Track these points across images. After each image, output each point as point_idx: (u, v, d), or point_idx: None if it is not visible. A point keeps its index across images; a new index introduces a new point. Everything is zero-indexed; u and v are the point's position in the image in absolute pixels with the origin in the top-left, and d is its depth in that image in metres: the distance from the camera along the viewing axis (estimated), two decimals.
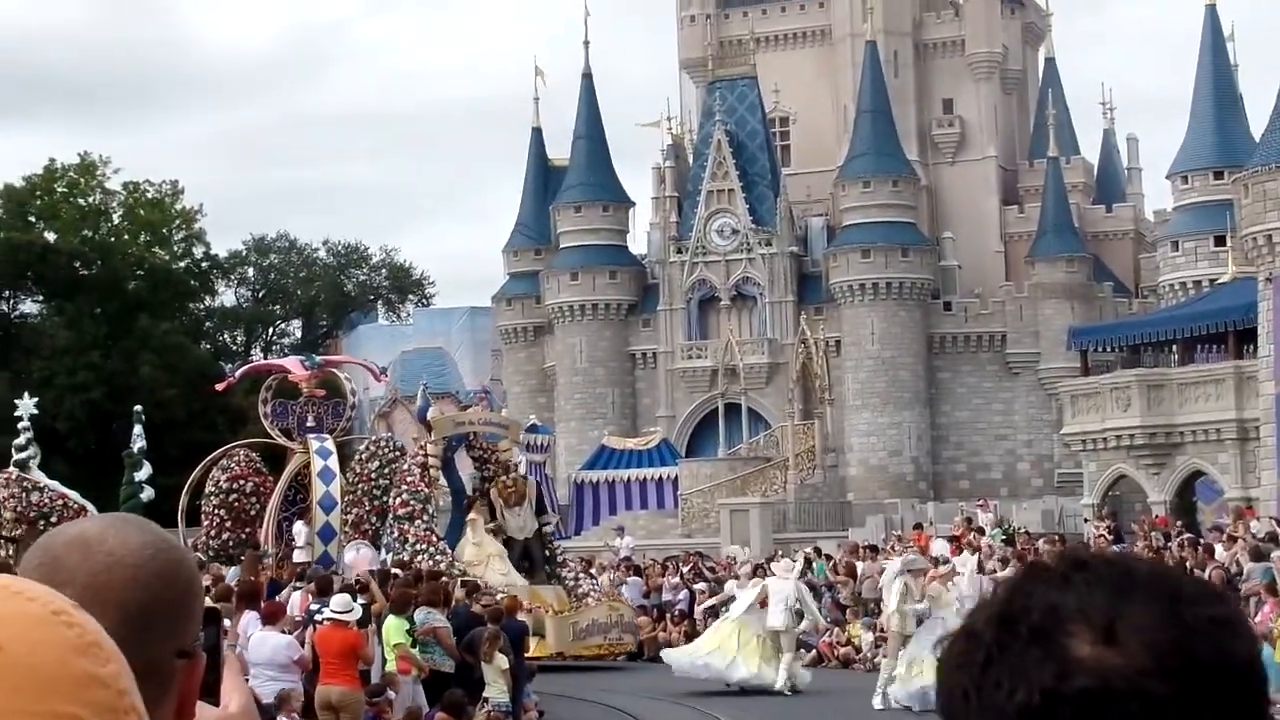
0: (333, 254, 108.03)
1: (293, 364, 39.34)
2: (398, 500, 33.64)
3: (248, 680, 15.82)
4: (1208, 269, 70.18)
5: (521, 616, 32.17)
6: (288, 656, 18.28)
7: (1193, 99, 73.73)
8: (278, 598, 23.61)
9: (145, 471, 45.79)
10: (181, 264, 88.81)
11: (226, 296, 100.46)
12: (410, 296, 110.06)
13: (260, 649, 18.26)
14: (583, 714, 26.63)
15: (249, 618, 19.79)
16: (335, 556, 32.90)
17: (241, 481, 36.21)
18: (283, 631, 18.94)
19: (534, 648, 32.41)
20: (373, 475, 35.03)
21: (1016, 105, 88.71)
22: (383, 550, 33.18)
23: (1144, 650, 1.65)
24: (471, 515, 35.05)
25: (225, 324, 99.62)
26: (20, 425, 37.70)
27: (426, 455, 34.93)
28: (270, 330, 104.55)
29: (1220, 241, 68.28)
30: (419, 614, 21.56)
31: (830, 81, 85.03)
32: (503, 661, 21.82)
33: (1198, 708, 1.65)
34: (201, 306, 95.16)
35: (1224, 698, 1.67)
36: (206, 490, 36.53)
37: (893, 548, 41.34)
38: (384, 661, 20.38)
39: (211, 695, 2.16)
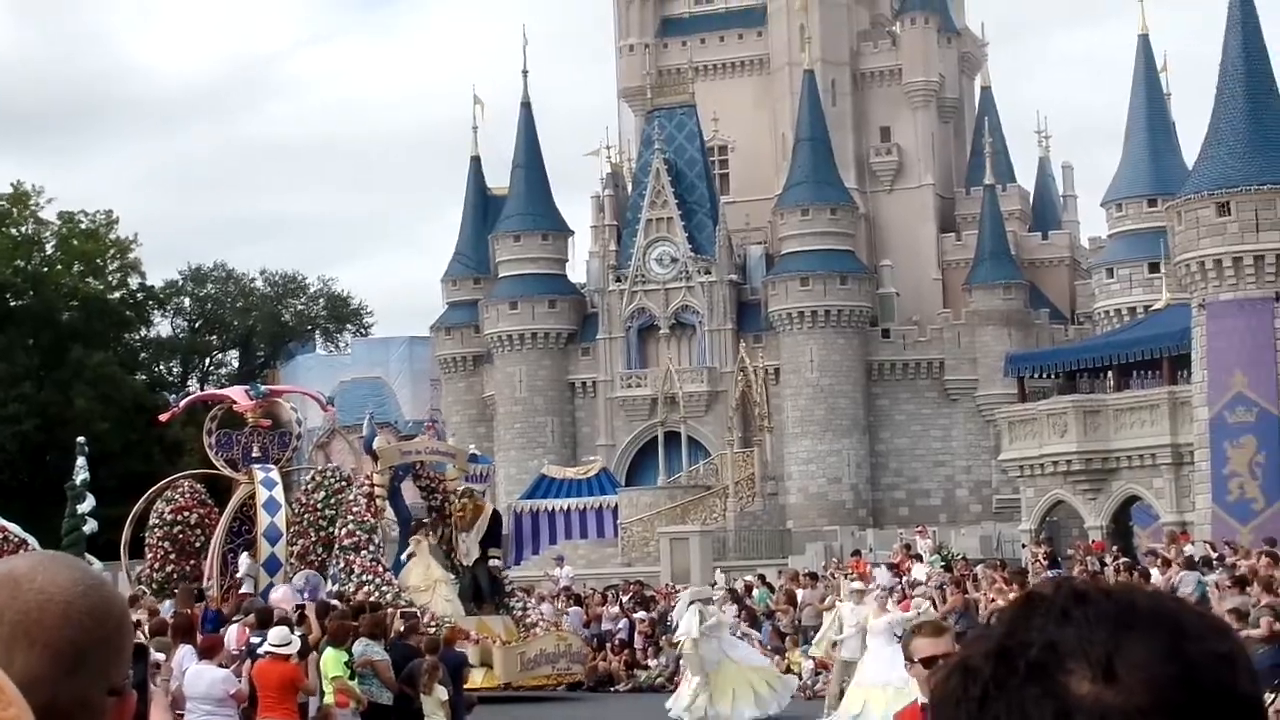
0: (270, 284, 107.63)
1: (237, 393, 39.04)
2: (343, 531, 33.33)
3: (181, 716, 15.66)
4: (1142, 295, 70.73)
5: (468, 647, 32.08)
6: (224, 690, 18.13)
7: (1126, 127, 74.39)
8: (223, 630, 23.43)
9: (88, 504, 45.45)
10: (116, 294, 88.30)
11: (162, 327, 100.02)
12: (348, 326, 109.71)
13: (196, 683, 18.10)
14: None
15: (184, 651, 19.62)
16: (303, 584, 32.58)
17: (186, 513, 35.83)
18: (220, 665, 18.79)
19: (481, 679, 32.27)
20: (319, 505, 34.71)
21: (953, 133, 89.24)
22: (329, 581, 32.94)
23: (1144, 688, 1.62)
24: (417, 538, 34.85)
25: (161, 355, 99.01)
26: None
27: (373, 485, 34.72)
28: (207, 361, 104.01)
29: (1154, 268, 68.79)
30: (357, 646, 21.44)
31: (768, 110, 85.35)
32: (442, 693, 21.71)
33: None
34: (137, 337, 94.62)
35: None
36: (150, 522, 36.14)
37: (833, 575, 41.45)
38: (322, 694, 20.24)
39: None
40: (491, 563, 36.36)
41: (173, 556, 35.45)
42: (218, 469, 37.17)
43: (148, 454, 76.25)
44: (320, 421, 50.95)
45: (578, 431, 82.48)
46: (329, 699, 20.23)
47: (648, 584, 47.88)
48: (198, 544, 35.53)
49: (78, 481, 46.42)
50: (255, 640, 20.79)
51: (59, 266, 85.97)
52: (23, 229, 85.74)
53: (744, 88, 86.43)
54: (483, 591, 35.33)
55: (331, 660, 20.23)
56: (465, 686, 30.99)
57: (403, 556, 34.75)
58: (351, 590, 31.81)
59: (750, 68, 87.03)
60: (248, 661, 20.00)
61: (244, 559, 34.12)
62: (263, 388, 40.23)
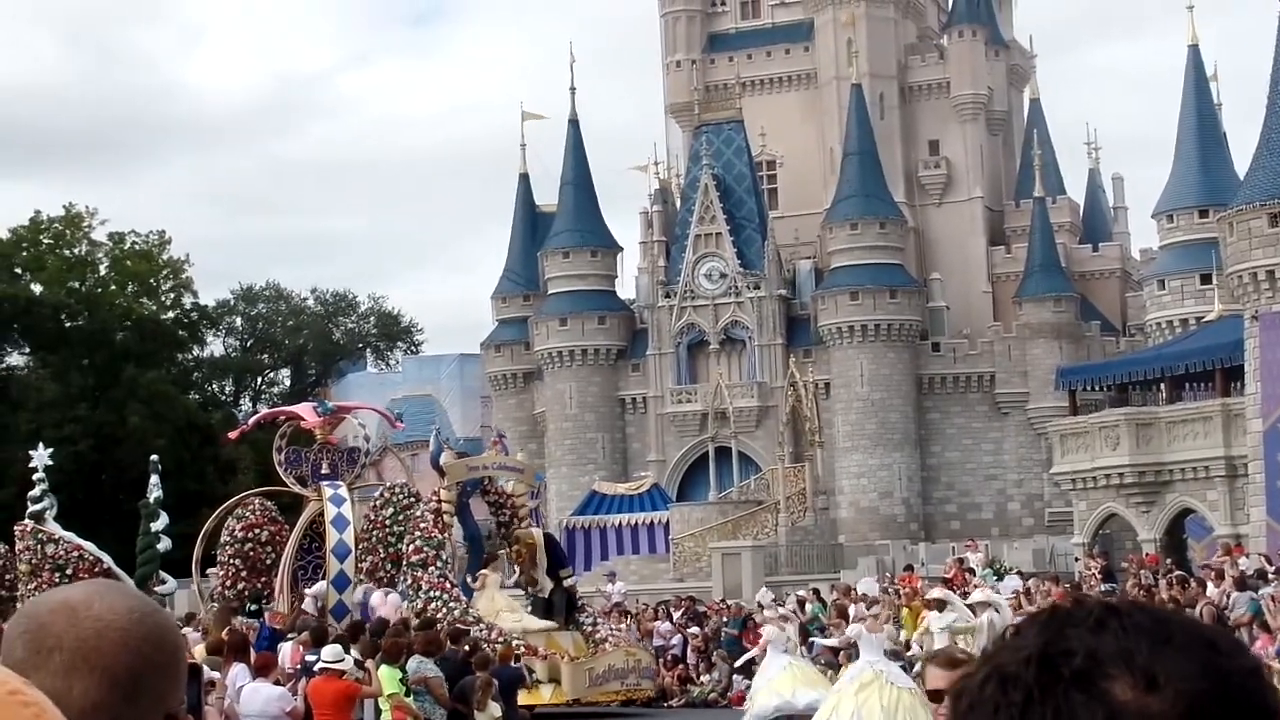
0: (320, 302, 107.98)
1: (305, 410, 39.04)
2: (411, 547, 33.30)
3: None
4: (1194, 307, 70.32)
5: (536, 663, 32.07)
6: (280, 708, 18.21)
7: (1177, 138, 73.98)
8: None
9: (162, 522, 45.23)
10: (169, 314, 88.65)
11: (215, 346, 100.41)
12: (399, 344, 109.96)
13: (252, 700, 18.19)
14: None
15: (238, 669, 19.71)
16: (349, 605, 32.57)
17: (257, 530, 35.75)
18: (275, 683, 18.88)
19: (550, 694, 32.19)
20: (387, 522, 34.66)
21: (1002, 146, 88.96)
22: (399, 597, 32.92)
23: (1184, 698, 1.69)
24: (484, 572, 34.80)
25: (214, 374, 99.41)
26: (35, 476, 37.46)
27: (440, 501, 34.61)
28: (259, 379, 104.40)
29: (1206, 280, 68.45)
30: (411, 663, 21.52)
31: (816, 124, 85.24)
32: (495, 709, 21.76)
33: None
34: (190, 357, 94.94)
35: None
36: (222, 539, 36.09)
37: (885, 590, 41.32)
38: (379, 712, 20.32)
39: None
40: (565, 582, 36.08)
41: (244, 574, 35.39)
42: (281, 486, 37.22)
43: (201, 473, 76.50)
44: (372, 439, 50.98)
45: (628, 447, 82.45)
46: (385, 716, 20.31)
47: (700, 599, 47.82)
48: (268, 561, 35.43)
49: (151, 499, 46.29)
50: (310, 658, 20.87)
51: (112, 287, 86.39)
52: (76, 250, 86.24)
53: (791, 102, 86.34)
54: (554, 608, 35.17)
55: (387, 677, 20.30)
56: (531, 703, 31.14)
57: (469, 580, 34.63)
58: (419, 607, 31.80)
59: (797, 82, 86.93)
60: (303, 679, 20.08)
61: (317, 587, 34.01)
62: (330, 404, 40.07)
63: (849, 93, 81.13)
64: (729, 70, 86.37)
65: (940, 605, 29.05)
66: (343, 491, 35.17)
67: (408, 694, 20.83)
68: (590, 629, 35.37)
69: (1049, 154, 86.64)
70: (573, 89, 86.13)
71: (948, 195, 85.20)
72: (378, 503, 35.48)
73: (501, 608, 33.95)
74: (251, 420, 43.11)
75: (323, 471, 36.16)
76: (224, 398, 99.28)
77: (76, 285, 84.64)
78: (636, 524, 67.50)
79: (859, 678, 26.28)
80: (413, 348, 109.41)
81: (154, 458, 49.57)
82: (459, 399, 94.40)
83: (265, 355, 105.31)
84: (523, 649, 32.17)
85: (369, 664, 20.22)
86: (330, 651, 19.08)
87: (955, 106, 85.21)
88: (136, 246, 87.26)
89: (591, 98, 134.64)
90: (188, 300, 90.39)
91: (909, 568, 49.46)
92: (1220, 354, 50.97)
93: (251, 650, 22.39)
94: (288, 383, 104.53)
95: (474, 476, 36.63)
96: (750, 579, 55.73)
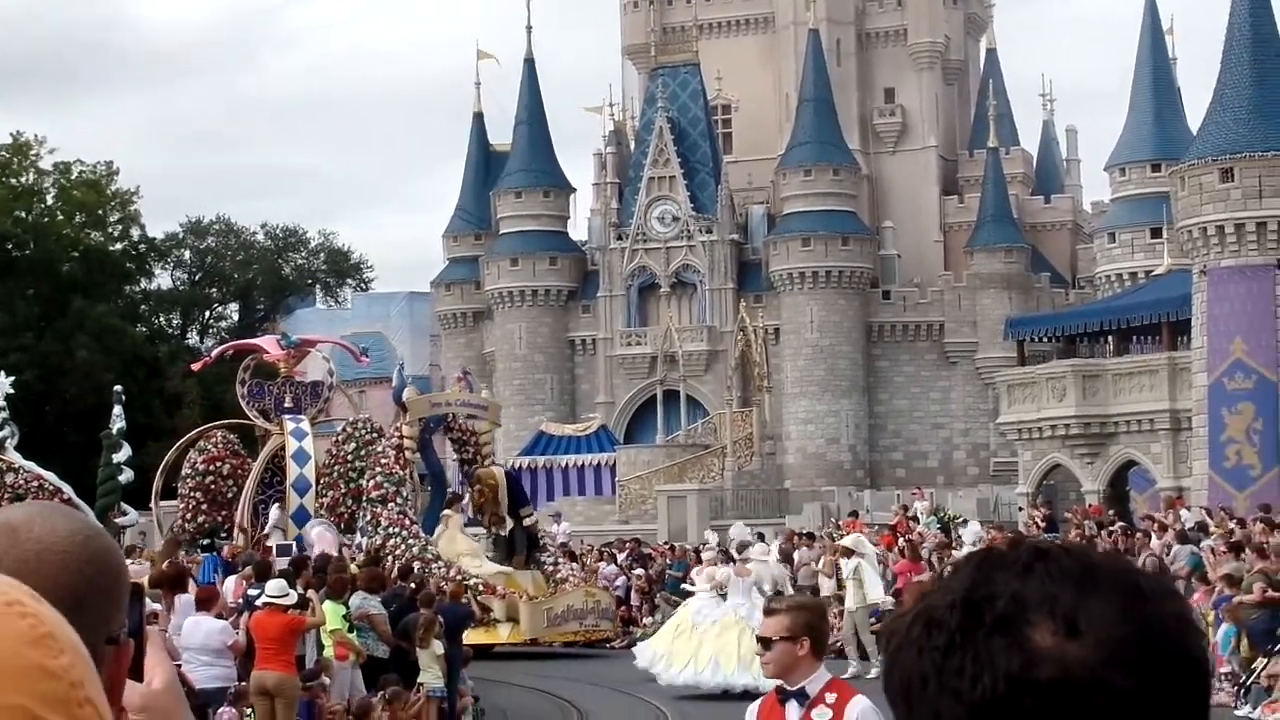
0: (270, 237, 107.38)
1: (269, 343, 38.80)
2: (371, 483, 33.11)
3: (178, 664, 15.71)
4: (1144, 261, 70.72)
5: (495, 602, 32.08)
6: (221, 641, 18.20)
7: (1131, 92, 74.22)
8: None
9: (124, 453, 44.84)
10: (117, 246, 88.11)
11: (163, 279, 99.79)
12: (348, 281, 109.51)
13: (193, 634, 18.17)
14: (520, 701, 26.59)
15: (185, 601, 19.68)
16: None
17: (219, 464, 35.55)
18: (217, 616, 18.85)
19: (507, 634, 32.19)
20: (349, 457, 34.44)
21: (957, 96, 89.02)
22: (358, 534, 32.82)
23: (1105, 644, 1.69)
24: (448, 513, 34.72)
25: (161, 307, 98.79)
26: None
27: (402, 437, 34.35)
28: (207, 313, 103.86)
29: (1156, 234, 68.78)
30: (354, 599, 21.51)
31: (773, 69, 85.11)
32: (438, 647, 21.78)
33: (1156, 702, 1.69)
34: (138, 289, 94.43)
35: (1180, 692, 1.71)
36: (183, 472, 35.84)
37: (829, 534, 41.51)
38: (321, 647, 20.31)
39: (136, 674, 2.15)
40: (525, 521, 36.01)
41: (204, 506, 35.22)
42: (241, 419, 36.98)
43: (148, 406, 76.08)
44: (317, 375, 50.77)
45: (577, 389, 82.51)
46: (328, 651, 20.31)
47: (645, 541, 47.99)
48: (230, 494, 35.25)
49: (114, 430, 45.92)
50: (253, 592, 20.84)
51: (60, 217, 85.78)
52: (22, 179, 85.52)
53: (748, 46, 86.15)
54: (515, 546, 35.12)
55: (330, 612, 20.30)
56: (489, 642, 31.20)
57: (437, 529, 34.52)
58: (379, 543, 31.72)
59: (755, 26, 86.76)
60: (245, 613, 20.05)
61: (274, 511, 33.97)
62: (294, 338, 39.73)
63: (806, 38, 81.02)
64: (686, 13, 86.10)
65: (848, 553, 29.50)
66: (304, 426, 34.95)
67: (351, 630, 20.83)
68: (551, 568, 35.34)
69: (1004, 104, 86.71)
70: (529, 28, 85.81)
71: (902, 143, 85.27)
72: (340, 437, 35.28)
73: (463, 551, 33.91)
74: (215, 352, 42.73)
75: (286, 405, 35.93)
76: (171, 331, 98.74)
77: (23, 214, 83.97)
78: (583, 465, 67.63)
79: (722, 620, 26.80)
80: (363, 285, 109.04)
81: (118, 388, 49.12)
82: (408, 337, 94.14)
83: (214, 289, 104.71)
84: (481, 586, 32.15)
85: (313, 597, 20.20)
86: (274, 586, 19.05)
87: (912, 55, 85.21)
88: (84, 177, 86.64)
89: (548, 37, 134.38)
90: (136, 232, 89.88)
91: (854, 514, 49.65)
92: (1168, 308, 51.26)
93: (192, 583, 22.38)
94: (236, 317, 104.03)
95: (437, 413, 36.43)
96: (695, 522, 55.93)
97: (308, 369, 46.43)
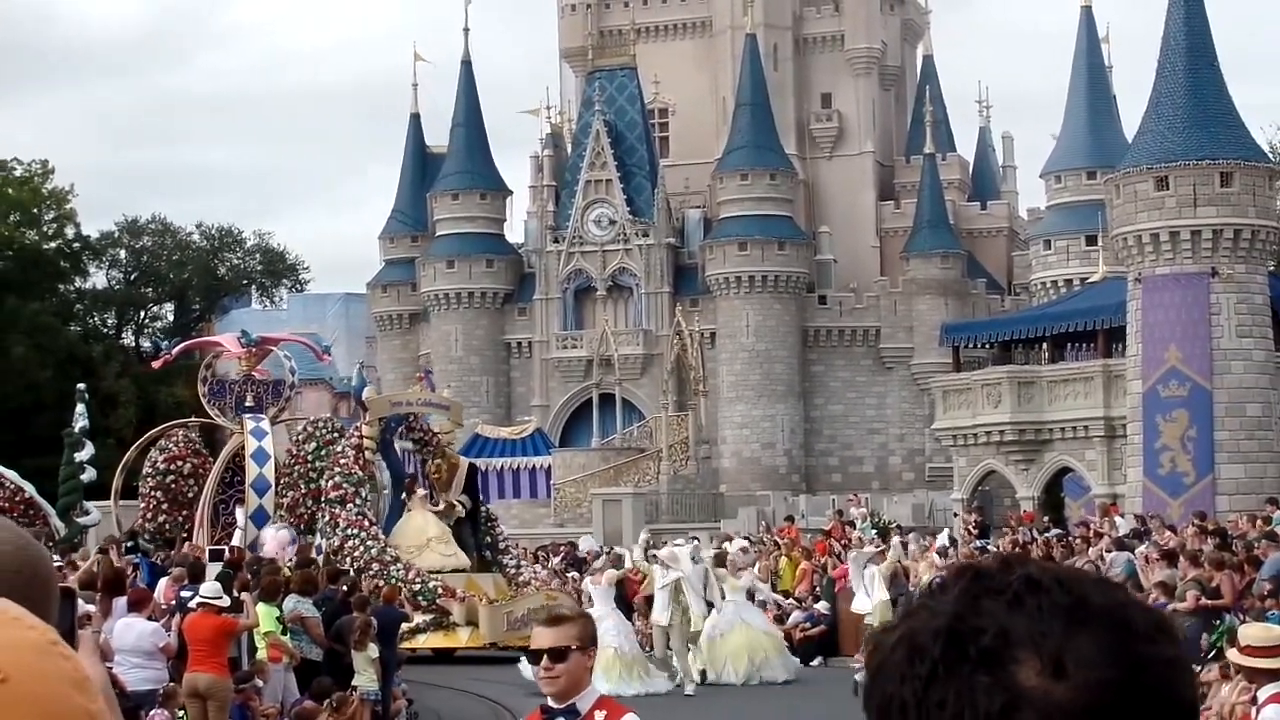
0: (206, 237, 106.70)
1: (229, 340, 38.48)
2: (330, 483, 32.77)
3: (109, 665, 15.56)
4: (1079, 268, 71.10)
5: (454, 606, 31.88)
6: (153, 643, 18.05)
7: (1067, 99, 74.68)
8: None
9: (88, 452, 44.34)
10: (52, 245, 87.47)
11: (97, 278, 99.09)
12: (284, 282, 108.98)
13: (125, 636, 18.02)
14: (453, 704, 26.50)
15: (119, 604, 19.52)
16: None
17: (180, 462, 35.09)
18: (150, 618, 18.70)
19: (466, 638, 31.95)
20: (309, 457, 34.07)
21: (894, 101, 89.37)
22: (317, 535, 32.52)
23: (1090, 687, 1.63)
24: (415, 492, 34.45)
25: (96, 306, 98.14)
26: None
27: (362, 437, 34.04)
28: (142, 313, 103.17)
29: (1092, 241, 69.20)
30: (288, 602, 21.39)
31: (710, 74, 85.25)
32: (373, 650, 21.68)
33: None
34: (72, 288, 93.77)
35: None
36: (144, 471, 35.48)
37: (762, 540, 41.59)
38: (254, 649, 20.19)
39: None
40: (456, 510, 35.72)
41: (165, 506, 34.79)
42: (176, 421, 36.60)
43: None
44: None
45: (512, 391, 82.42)
46: (261, 654, 20.18)
47: (579, 545, 47.89)
48: (190, 494, 34.81)
49: (76, 429, 45.42)
50: (186, 594, 20.70)
51: None
52: None
53: (685, 50, 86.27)
54: (466, 548, 34.83)
55: (264, 615, 20.17)
56: (449, 646, 31.06)
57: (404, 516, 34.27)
58: (337, 544, 31.48)
59: (692, 30, 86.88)
60: (177, 615, 19.91)
61: (241, 511, 33.59)
62: (255, 335, 39.31)
63: (743, 43, 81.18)
64: (623, 16, 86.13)
65: (666, 565, 29.41)
66: (264, 425, 34.57)
67: (284, 632, 20.71)
68: (513, 571, 35.15)
69: (940, 110, 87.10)
70: (466, 29, 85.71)
71: (839, 149, 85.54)
72: (300, 437, 34.91)
73: (434, 535, 33.66)
74: (176, 349, 42.16)
75: (247, 404, 35.55)
76: (106, 331, 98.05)
77: None
78: (518, 468, 67.55)
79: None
80: (298, 286, 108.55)
81: (81, 386, 48.68)
82: (344, 338, 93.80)
83: (149, 289, 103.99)
84: (440, 590, 31.91)
85: (246, 599, 20.06)
86: (209, 588, 18.92)
87: (849, 60, 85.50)
88: (18, 175, 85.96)
89: (485, 39, 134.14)
90: (70, 231, 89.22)
91: (789, 519, 49.80)
92: (1103, 315, 51.52)
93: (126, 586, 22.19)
94: (171, 317, 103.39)
95: (397, 412, 36.18)
96: (631, 526, 55.94)
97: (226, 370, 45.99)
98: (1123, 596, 1.73)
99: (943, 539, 38.22)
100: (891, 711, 1.68)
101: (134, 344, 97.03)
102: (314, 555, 29.13)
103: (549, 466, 67.44)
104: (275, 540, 29.34)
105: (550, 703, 6.47)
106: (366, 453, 34.01)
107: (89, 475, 43.68)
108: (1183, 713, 1.67)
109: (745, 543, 38.50)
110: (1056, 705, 1.61)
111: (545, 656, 6.41)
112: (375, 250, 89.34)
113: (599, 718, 6.42)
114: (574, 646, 6.40)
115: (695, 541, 33.58)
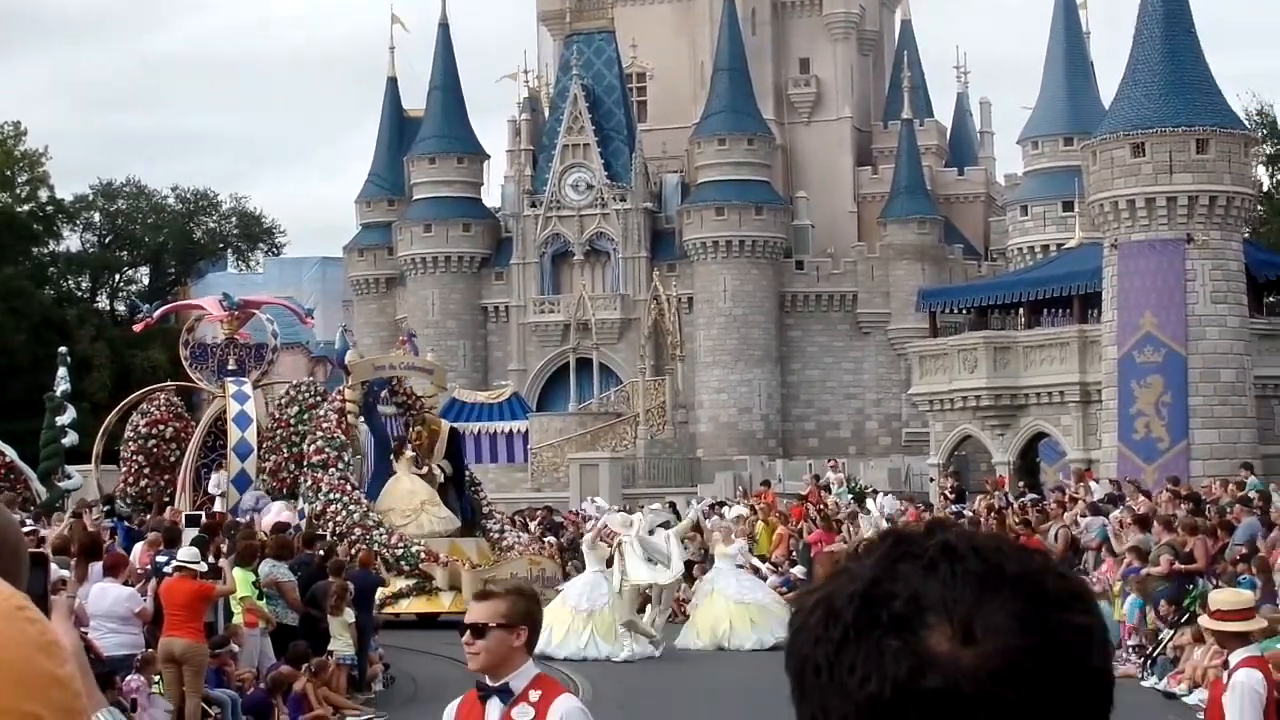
0: (181, 200, 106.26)
1: (211, 303, 38.25)
2: (312, 447, 32.59)
3: (84, 630, 15.54)
4: (1055, 234, 71.22)
5: (437, 570, 31.86)
6: (128, 609, 18.01)
7: (1044, 65, 74.64)
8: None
9: (69, 416, 44.09)
10: (25, 207, 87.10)
11: (72, 241, 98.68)
12: (260, 245, 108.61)
13: (100, 601, 17.98)
14: (430, 669, 26.50)
15: (95, 569, 19.45)
16: (253, 504, 31.97)
17: (161, 426, 34.89)
18: (125, 583, 18.67)
19: (449, 602, 31.88)
20: (291, 421, 33.91)
21: (872, 67, 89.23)
22: (300, 499, 32.40)
23: (1000, 654, 1.63)
24: (403, 454, 34.34)
25: (70, 269, 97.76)
26: None
27: (345, 401, 33.91)
28: (117, 277, 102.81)
29: (1068, 207, 69.28)
30: (263, 566, 21.38)
31: (688, 38, 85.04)
32: (348, 615, 21.70)
33: (1046, 716, 1.64)
34: (46, 251, 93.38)
35: (1074, 707, 1.66)
36: (125, 435, 35.25)
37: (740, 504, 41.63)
38: (230, 614, 20.18)
39: None
40: (435, 474, 35.65)
41: (147, 470, 34.62)
42: (133, 389, 36.44)
43: (56, 369, 75.21)
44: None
45: (490, 356, 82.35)
46: (237, 619, 20.17)
47: (556, 509, 47.99)
48: (173, 458, 34.63)
49: (58, 393, 45.17)
50: (161, 559, 20.67)
51: None
52: None
53: (663, 15, 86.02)
54: (452, 511, 34.71)
55: (240, 579, 20.17)
56: (432, 611, 31.06)
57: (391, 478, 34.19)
58: (319, 508, 31.38)
59: None
60: (153, 580, 19.88)
61: (216, 477, 33.51)
62: (237, 298, 39.06)
63: (721, 6, 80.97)
64: None
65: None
66: (246, 389, 34.41)
67: (260, 597, 20.71)
68: (497, 536, 35.09)
69: (918, 76, 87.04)
70: None
71: (816, 114, 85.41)
72: (282, 401, 34.74)
73: (424, 498, 33.58)
74: (158, 312, 41.91)
75: (229, 368, 35.36)
76: (80, 294, 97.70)
77: None
78: (495, 432, 67.38)
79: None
80: (274, 249, 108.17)
81: (62, 350, 48.34)
82: (320, 302, 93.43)
83: (124, 252, 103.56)
84: (423, 555, 31.88)
85: (223, 564, 20.05)
86: (187, 553, 18.90)
87: (827, 25, 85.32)
88: None
89: (463, 2, 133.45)
90: (44, 194, 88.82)
91: (766, 483, 49.84)
92: (1079, 281, 51.58)
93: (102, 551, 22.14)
94: (146, 281, 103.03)
95: (380, 376, 36.03)
96: (608, 490, 55.97)
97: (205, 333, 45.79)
98: (1039, 564, 1.73)
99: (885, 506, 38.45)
100: (806, 673, 1.70)
101: (109, 308, 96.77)
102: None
103: (526, 431, 67.29)
104: (273, 513, 29.29)
105: (486, 680, 6.34)
106: (349, 417, 33.90)
107: (71, 439, 43.54)
108: (1094, 680, 1.67)
109: (743, 510, 38.44)
110: (964, 670, 1.62)
111: (468, 631, 6.31)
112: (352, 214, 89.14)
113: (533, 697, 6.27)
114: (495, 624, 6.25)
115: (667, 505, 33.71)
